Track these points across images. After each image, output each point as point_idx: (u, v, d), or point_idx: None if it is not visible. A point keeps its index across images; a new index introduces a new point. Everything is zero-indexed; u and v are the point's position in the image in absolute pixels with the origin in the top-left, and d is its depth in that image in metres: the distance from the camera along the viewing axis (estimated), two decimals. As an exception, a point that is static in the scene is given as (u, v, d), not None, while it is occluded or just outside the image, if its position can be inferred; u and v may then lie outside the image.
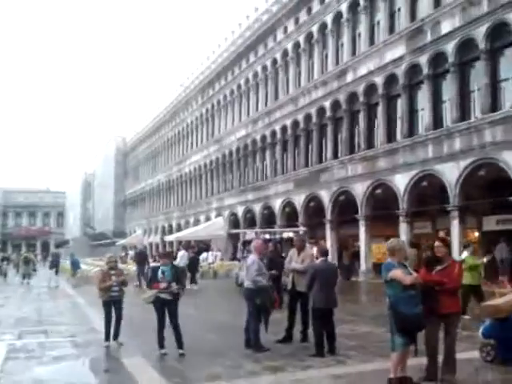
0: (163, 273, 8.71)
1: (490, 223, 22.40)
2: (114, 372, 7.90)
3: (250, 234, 19.91)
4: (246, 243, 19.87)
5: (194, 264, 22.51)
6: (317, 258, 9.52)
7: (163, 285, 8.61)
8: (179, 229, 49.66)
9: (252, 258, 9.28)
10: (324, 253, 9.05)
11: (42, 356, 9.02)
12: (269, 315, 9.04)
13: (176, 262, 22.23)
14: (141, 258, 24.17)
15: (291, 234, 19.80)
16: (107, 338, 9.50)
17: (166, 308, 8.69)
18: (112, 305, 9.57)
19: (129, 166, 71.72)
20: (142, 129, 65.83)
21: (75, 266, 28.49)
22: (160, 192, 57.68)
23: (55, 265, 28.54)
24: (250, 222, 37.04)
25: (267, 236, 19.48)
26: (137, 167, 68.05)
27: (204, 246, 40.58)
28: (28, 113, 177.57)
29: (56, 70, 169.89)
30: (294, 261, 9.67)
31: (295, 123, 32.18)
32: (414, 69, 23.54)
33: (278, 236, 19.69)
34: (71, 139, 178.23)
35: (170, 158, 55.52)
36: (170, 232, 51.76)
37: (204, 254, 31.12)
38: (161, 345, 8.66)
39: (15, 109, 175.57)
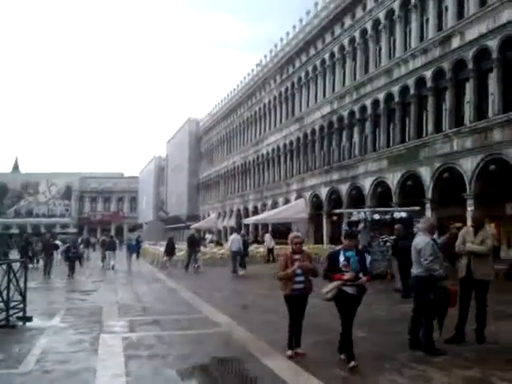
0: (347, 259, 6.68)
1: None
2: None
3: (356, 214, 17.84)
4: (353, 224, 17.86)
5: (245, 247, 21.82)
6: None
7: (348, 275, 6.59)
8: (256, 212, 48.33)
9: (424, 238, 7.30)
10: None
11: (166, 354, 7.58)
12: (445, 315, 7.12)
13: (228, 246, 21.56)
14: (192, 242, 24.16)
15: (404, 214, 17.58)
16: (290, 346, 7.25)
17: (350, 306, 6.73)
18: (296, 302, 7.23)
19: (203, 150, 71.08)
20: (216, 111, 64.86)
21: (131, 249, 29.13)
22: (235, 174, 56.48)
23: (135, 249, 29.14)
24: (335, 204, 34.93)
25: (376, 216, 17.37)
26: (211, 150, 67.24)
27: (284, 229, 39.01)
28: (103, 99, 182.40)
29: (129, 54, 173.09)
30: (469, 241, 7.58)
31: (389, 96, 29.68)
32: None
33: (388, 216, 17.52)
34: (144, 125, 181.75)
35: (245, 140, 54.10)
36: (246, 215, 50.55)
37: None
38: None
39: (90, 95, 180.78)
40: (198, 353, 7.50)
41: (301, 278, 6.98)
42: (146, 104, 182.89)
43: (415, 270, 7.32)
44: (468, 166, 23.30)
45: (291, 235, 7.40)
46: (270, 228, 42.36)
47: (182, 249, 27.82)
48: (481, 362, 6.47)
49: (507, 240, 24.33)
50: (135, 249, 31.94)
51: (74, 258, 22.56)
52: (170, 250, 25.30)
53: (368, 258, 15.84)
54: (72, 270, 21.78)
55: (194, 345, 8.03)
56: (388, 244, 16.67)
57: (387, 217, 17.52)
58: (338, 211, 23.73)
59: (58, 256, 26.74)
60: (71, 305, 13.52)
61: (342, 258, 6.66)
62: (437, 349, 6.94)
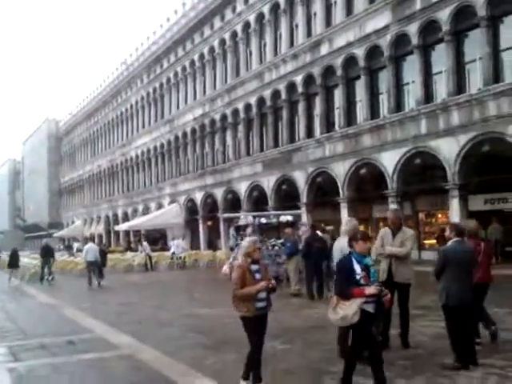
0: (365, 268, 5.23)
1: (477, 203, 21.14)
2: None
3: (243, 218, 17.44)
4: (240, 228, 17.44)
5: (102, 257, 20.59)
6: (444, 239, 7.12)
7: (373, 289, 5.12)
8: (126, 217, 46.36)
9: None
10: (460, 232, 6.61)
11: None
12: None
13: (83, 256, 20.51)
14: (46, 251, 22.64)
15: (290, 218, 17.54)
16: (247, 377, 5.87)
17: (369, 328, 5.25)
18: (259, 323, 5.74)
19: (63, 152, 66.65)
20: (78, 111, 61.14)
21: None
22: (102, 179, 53.65)
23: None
24: (211, 208, 34.53)
25: (263, 220, 17.11)
26: (73, 153, 63.25)
27: (158, 234, 37.88)
28: None
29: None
30: (388, 243, 7.30)
31: (261, 100, 29.82)
32: (400, 40, 21.80)
33: (274, 220, 17.36)
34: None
35: (111, 142, 51.58)
36: (116, 221, 48.29)
37: (172, 242, 28.86)
38: None
39: None
40: (107, 381, 6.43)
41: (263, 295, 5.61)
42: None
43: None
44: (340, 170, 24.09)
45: (247, 242, 5.88)
46: (142, 234, 40.83)
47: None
48: (418, 369, 6.18)
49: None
50: None
51: None
52: (14, 262, 23.15)
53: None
54: None
55: (99, 373, 6.84)
56: (276, 248, 16.55)
57: (274, 220, 17.36)
58: (225, 215, 23.26)
59: None
60: None
61: (358, 268, 5.20)
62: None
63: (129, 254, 29.44)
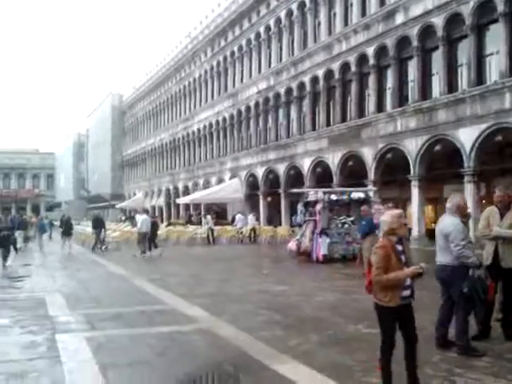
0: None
1: None
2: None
3: (313, 193, 16.78)
4: (309, 204, 16.82)
5: (154, 229, 20.79)
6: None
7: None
8: (187, 191, 46.63)
9: (453, 220, 6.14)
10: None
11: (151, 361, 5.96)
12: (484, 310, 6.10)
13: (138, 227, 20.67)
14: (97, 223, 23.48)
15: (362, 195, 16.76)
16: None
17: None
18: (402, 315, 4.74)
19: (126, 125, 67.72)
20: (141, 85, 61.68)
21: (42, 229, 27.39)
22: (163, 152, 54.10)
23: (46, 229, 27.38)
24: (273, 184, 34.03)
25: (334, 196, 16.41)
26: (136, 126, 64.14)
27: (219, 209, 37.79)
28: (16, 70, 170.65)
29: (45, 21, 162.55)
30: (494, 224, 6.52)
31: (329, 73, 28.80)
32: (483, 6, 20.25)
33: (345, 197, 16.61)
34: (62, 97, 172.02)
35: (174, 116, 51.77)
36: (177, 195, 48.70)
37: (238, 217, 28.79)
38: None
39: (2, 65, 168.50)
40: (191, 359, 6.05)
41: (408, 282, 4.67)
42: (64, 76, 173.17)
43: (443, 259, 6.10)
44: (412, 146, 22.95)
45: (391, 216, 4.73)
46: (207, 208, 40.96)
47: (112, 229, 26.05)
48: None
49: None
50: (47, 228, 30.27)
51: (8, 242, 17.75)
52: (67, 230, 23.58)
53: (326, 241, 15.26)
54: (5, 256, 17.08)
55: (179, 347, 6.49)
56: (346, 226, 15.90)
57: (344, 197, 16.62)
58: (294, 190, 22.71)
59: None
60: (5, 295, 11.48)
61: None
62: (474, 349, 5.87)
63: (191, 227, 29.46)
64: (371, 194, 23.45)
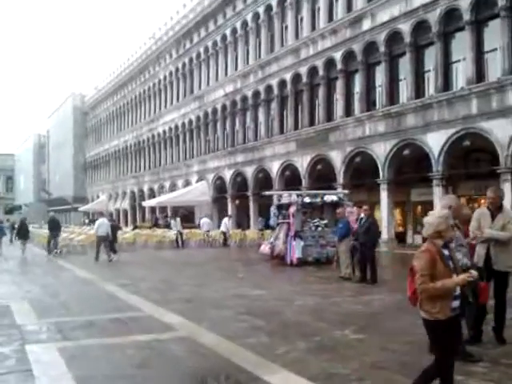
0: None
1: None
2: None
3: (287, 196, 16.63)
4: (282, 207, 16.72)
5: (114, 232, 20.54)
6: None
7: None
8: (152, 194, 46.03)
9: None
10: None
11: (133, 375, 5.65)
12: (476, 312, 6.01)
13: (94, 231, 20.49)
14: (53, 225, 22.87)
15: (335, 198, 16.73)
16: None
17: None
18: (452, 328, 4.17)
19: (89, 126, 66.39)
20: (104, 85, 60.59)
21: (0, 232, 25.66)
22: (128, 154, 53.24)
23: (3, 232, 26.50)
24: (241, 187, 33.89)
25: (307, 199, 16.30)
26: (99, 127, 62.95)
27: (186, 212, 37.39)
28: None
29: (3, 19, 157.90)
30: (485, 226, 6.43)
31: (297, 77, 28.88)
32: (450, 14, 20.65)
33: (318, 200, 16.52)
34: (21, 97, 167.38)
35: (138, 118, 51.02)
36: (142, 198, 48.00)
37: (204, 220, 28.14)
38: None
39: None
40: (173, 371, 5.76)
41: (458, 291, 4.16)
42: (23, 75, 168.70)
43: None
44: (381, 150, 23.19)
45: (437, 217, 4.22)
46: (176, 211, 40.42)
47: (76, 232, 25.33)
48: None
49: (413, 226, 24.78)
50: (6, 232, 29.11)
51: None
52: (24, 233, 22.97)
53: (300, 244, 15.16)
54: None
55: (159, 358, 6.20)
56: (320, 229, 15.86)
57: (317, 200, 16.56)
58: (267, 193, 22.55)
59: None
60: None
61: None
62: (470, 354, 5.72)
63: (158, 231, 28.99)
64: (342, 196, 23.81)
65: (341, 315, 8.36)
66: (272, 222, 17.24)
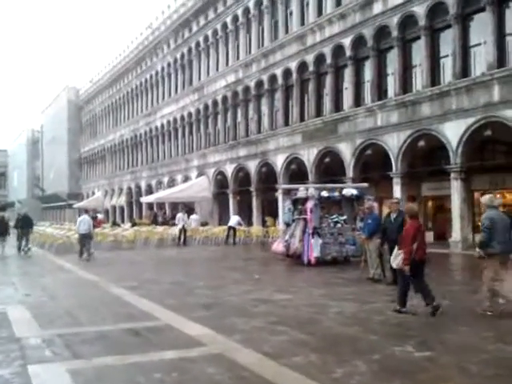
0: None
1: None
2: None
3: (303, 190, 15.44)
4: (298, 202, 15.55)
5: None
6: None
7: None
8: (150, 190, 44.79)
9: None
10: None
11: None
12: None
13: (75, 228, 19.94)
14: (24, 222, 21.90)
15: (355, 191, 15.57)
16: None
17: None
18: None
19: (84, 121, 64.90)
20: (99, 78, 59.10)
21: None
22: (124, 149, 51.85)
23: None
24: (243, 182, 32.72)
25: (325, 193, 15.14)
26: (94, 122, 61.48)
27: (186, 208, 36.24)
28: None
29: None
30: None
31: (302, 65, 27.68)
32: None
33: (336, 194, 15.36)
34: (14, 92, 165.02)
35: (135, 111, 49.63)
36: (139, 194, 46.74)
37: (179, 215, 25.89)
38: None
39: None
40: None
41: None
42: (16, 69, 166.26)
43: None
44: (394, 141, 22.07)
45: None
46: (167, 207, 39.26)
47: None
48: None
49: (424, 222, 23.70)
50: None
51: None
52: (3, 231, 21.74)
53: (319, 241, 14.06)
54: None
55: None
56: (339, 225, 14.74)
57: (335, 194, 15.40)
58: (283, 186, 21.42)
59: None
60: None
61: None
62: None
63: (159, 228, 27.78)
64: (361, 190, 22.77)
65: (391, 326, 7.25)
66: (286, 218, 16.07)
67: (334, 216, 14.86)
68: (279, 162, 29.00)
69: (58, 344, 6.76)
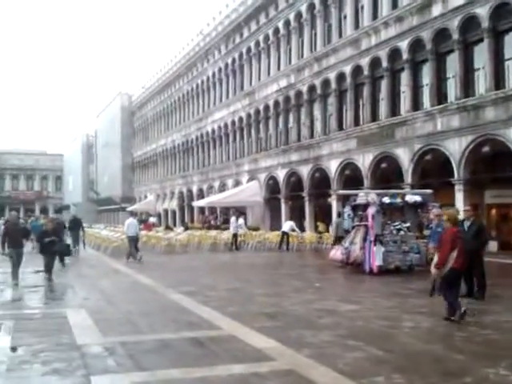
0: None
1: None
2: None
3: (363, 196, 15.00)
4: (358, 208, 15.10)
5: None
6: None
7: None
8: (201, 194, 45.03)
9: None
10: None
11: None
12: None
13: (124, 231, 20.20)
14: (74, 224, 22.25)
15: (418, 198, 14.99)
16: None
17: None
18: None
19: (136, 126, 66.16)
20: (151, 84, 60.12)
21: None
22: (176, 154, 52.43)
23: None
24: (295, 187, 32.37)
25: (387, 199, 14.62)
26: (146, 127, 62.57)
27: (237, 212, 36.21)
28: (24, 71, 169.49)
29: (53, 21, 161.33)
30: None
31: (357, 69, 27.15)
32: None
33: (398, 200, 14.82)
34: (70, 98, 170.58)
35: (186, 116, 50.14)
36: (190, 198, 47.10)
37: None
38: None
39: (11, 66, 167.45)
40: None
41: None
42: (72, 76, 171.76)
43: None
44: (455, 147, 21.26)
45: None
46: (218, 211, 39.33)
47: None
48: None
49: (488, 231, 22.69)
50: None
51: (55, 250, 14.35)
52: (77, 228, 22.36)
53: (381, 249, 13.61)
54: (49, 267, 13.92)
55: None
56: (402, 233, 14.21)
57: (398, 200, 14.87)
58: (340, 192, 21.09)
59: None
60: (18, 311, 9.72)
61: None
62: None
63: (212, 232, 27.77)
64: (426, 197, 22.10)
65: (476, 344, 6.75)
66: (346, 224, 15.64)
67: (397, 223, 14.33)
68: (333, 167, 28.52)
69: (120, 353, 6.60)
